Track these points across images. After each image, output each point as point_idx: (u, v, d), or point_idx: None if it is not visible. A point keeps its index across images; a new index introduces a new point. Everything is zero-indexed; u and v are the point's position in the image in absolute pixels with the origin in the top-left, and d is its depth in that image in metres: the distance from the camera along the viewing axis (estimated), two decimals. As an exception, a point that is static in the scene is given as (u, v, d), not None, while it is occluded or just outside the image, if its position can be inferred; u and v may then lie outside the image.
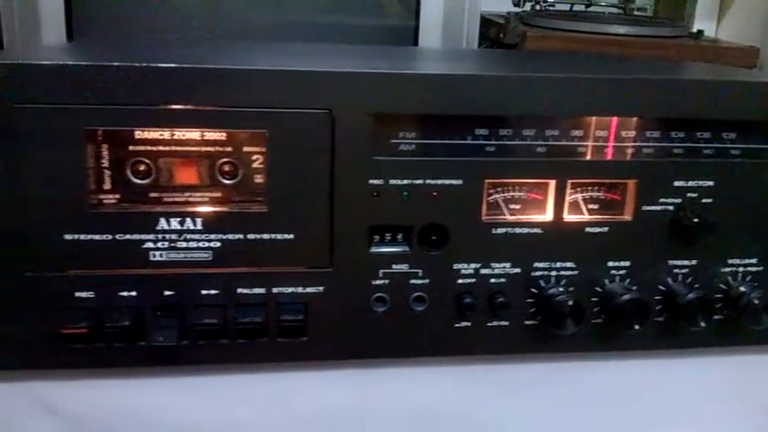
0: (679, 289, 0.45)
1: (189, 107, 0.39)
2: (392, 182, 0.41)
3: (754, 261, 0.46)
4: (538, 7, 1.18)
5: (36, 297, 0.40)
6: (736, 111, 0.43)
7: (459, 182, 0.42)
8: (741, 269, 0.46)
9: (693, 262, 0.45)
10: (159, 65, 0.38)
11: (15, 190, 0.38)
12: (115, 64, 0.38)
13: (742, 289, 0.45)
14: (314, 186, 0.41)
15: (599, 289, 0.45)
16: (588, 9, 1.23)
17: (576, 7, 1.23)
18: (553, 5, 1.20)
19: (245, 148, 0.42)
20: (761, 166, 0.44)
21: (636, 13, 1.28)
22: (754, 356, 0.47)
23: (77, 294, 0.40)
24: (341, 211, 0.41)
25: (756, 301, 0.44)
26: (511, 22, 1.06)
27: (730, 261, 0.46)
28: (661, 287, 0.45)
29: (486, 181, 0.42)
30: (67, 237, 0.39)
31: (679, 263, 0.45)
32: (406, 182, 0.41)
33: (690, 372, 0.47)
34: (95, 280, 0.40)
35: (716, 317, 0.45)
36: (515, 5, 1.15)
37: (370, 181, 0.41)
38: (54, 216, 0.39)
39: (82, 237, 0.39)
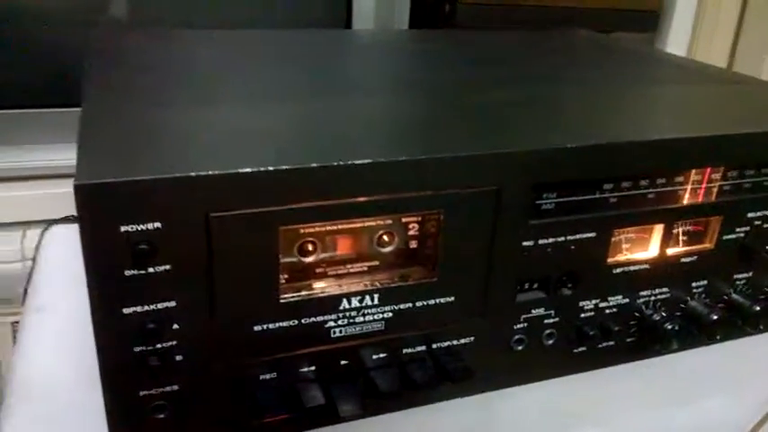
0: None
1: (374, 198, 0.40)
2: (540, 241, 0.45)
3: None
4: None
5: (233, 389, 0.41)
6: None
7: (593, 234, 0.47)
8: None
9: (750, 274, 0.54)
10: (355, 162, 0.38)
11: (205, 299, 0.38)
12: (314, 165, 0.37)
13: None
14: (477, 254, 0.44)
15: (683, 305, 0.53)
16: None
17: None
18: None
19: (404, 219, 0.44)
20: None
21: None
22: None
23: (262, 377, 0.42)
24: (497, 271, 0.45)
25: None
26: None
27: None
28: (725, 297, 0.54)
29: (615, 230, 0.47)
30: (257, 328, 0.40)
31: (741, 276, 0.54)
32: (551, 240, 0.45)
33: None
34: (276, 363, 0.42)
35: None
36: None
37: (524, 243, 0.45)
38: (246, 311, 0.39)
39: (271, 326, 0.40)
